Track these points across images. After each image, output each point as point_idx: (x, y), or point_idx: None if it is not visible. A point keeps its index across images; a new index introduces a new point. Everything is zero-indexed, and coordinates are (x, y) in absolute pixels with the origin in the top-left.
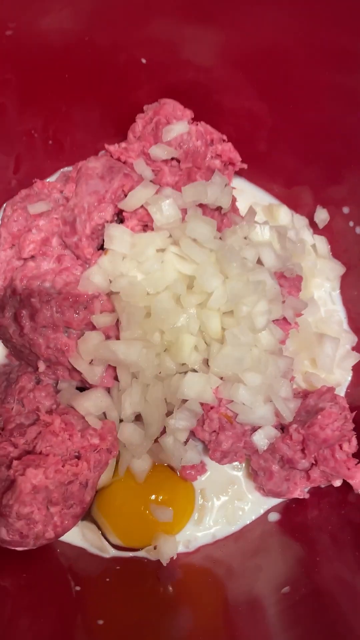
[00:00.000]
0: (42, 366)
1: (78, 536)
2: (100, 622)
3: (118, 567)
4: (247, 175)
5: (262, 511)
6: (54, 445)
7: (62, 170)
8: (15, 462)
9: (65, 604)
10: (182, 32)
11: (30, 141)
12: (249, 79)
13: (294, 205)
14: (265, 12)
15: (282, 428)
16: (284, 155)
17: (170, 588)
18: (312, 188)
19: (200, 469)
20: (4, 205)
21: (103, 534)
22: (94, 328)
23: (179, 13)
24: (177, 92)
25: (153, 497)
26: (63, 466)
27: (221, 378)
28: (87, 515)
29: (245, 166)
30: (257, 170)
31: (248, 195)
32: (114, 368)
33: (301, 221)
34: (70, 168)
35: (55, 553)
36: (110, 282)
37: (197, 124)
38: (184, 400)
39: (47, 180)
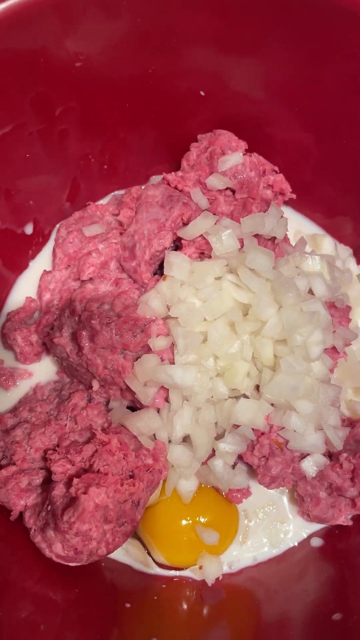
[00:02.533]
0: (96, 385)
1: (121, 552)
2: (154, 639)
3: (164, 586)
4: (293, 204)
5: (304, 535)
6: (111, 464)
7: (113, 193)
8: (75, 480)
9: (117, 620)
10: (235, 67)
11: (87, 165)
12: (296, 112)
13: (338, 234)
14: (308, 47)
15: (330, 456)
16: (329, 186)
17: (215, 608)
18: (356, 218)
19: (246, 492)
20: (57, 226)
21: (147, 552)
22: (149, 350)
23: (231, 49)
24: (230, 124)
25: (199, 518)
26: (121, 485)
27: (272, 405)
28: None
29: (294, 196)
30: (303, 199)
31: (293, 223)
32: (166, 390)
33: (346, 251)
34: (122, 192)
35: (101, 568)
36: (168, 307)
37: (251, 155)
38: (236, 425)
39: (99, 202)
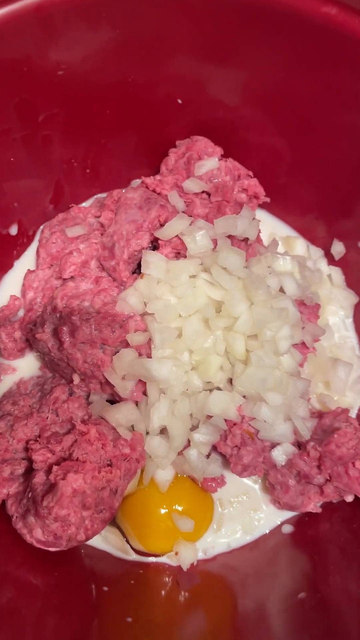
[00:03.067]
0: (76, 379)
1: (99, 539)
2: (129, 619)
3: (141, 571)
4: (268, 207)
5: (277, 523)
6: (90, 453)
7: (96, 196)
8: (55, 467)
9: (95, 602)
10: (212, 75)
11: (70, 169)
12: (270, 118)
13: (311, 236)
14: (283, 57)
15: (299, 445)
16: (302, 190)
17: (190, 592)
18: (328, 221)
19: (220, 481)
20: (41, 227)
21: (126, 539)
22: (127, 345)
23: (208, 58)
24: (207, 130)
25: (175, 506)
26: (99, 472)
27: (244, 397)
28: (111, 520)
29: (268, 200)
30: (277, 203)
31: (267, 225)
32: (143, 383)
33: (317, 252)
34: (104, 195)
35: (81, 555)
36: (145, 304)
37: (226, 160)
38: (209, 416)
39: (82, 205)
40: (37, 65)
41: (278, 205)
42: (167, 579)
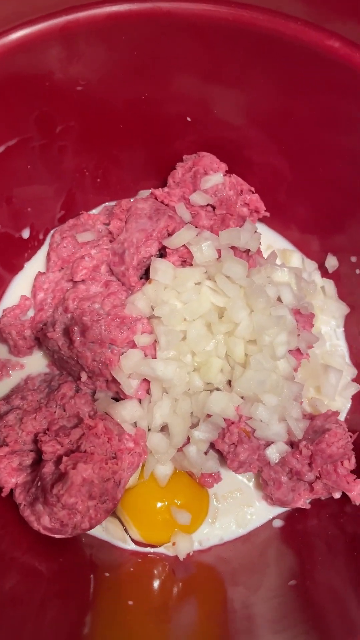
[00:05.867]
0: (84, 376)
1: (100, 529)
2: (131, 602)
3: (139, 560)
4: (267, 221)
5: (269, 517)
6: (97, 446)
7: (105, 204)
8: (64, 458)
9: (97, 587)
10: (220, 97)
11: (82, 178)
12: (272, 140)
13: (306, 250)
14: (286, 83)
15: (292, 444)
16: (299, 206)
17: (185, 580)
18: (322, 236)
19: (217, 477)
20: (52, 231)
21: (125, 530)
22: (134, 346)
23: (217, 81)
24: (213, 147)
25: (174, 500)
26: (106, 464)
27: (242, 397)
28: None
29: (268, 214)
30: (276, 217)
31: (266, 239)
32: (147, 382)
33: (312, 265)
34: (112, 203)
35: (82, 543)
36: (152, 308)
37: (230, 176)
38: (209, 415)
39: (91, 212)
40: (58, 80)
41: (276, 220)
42: (164, 568)
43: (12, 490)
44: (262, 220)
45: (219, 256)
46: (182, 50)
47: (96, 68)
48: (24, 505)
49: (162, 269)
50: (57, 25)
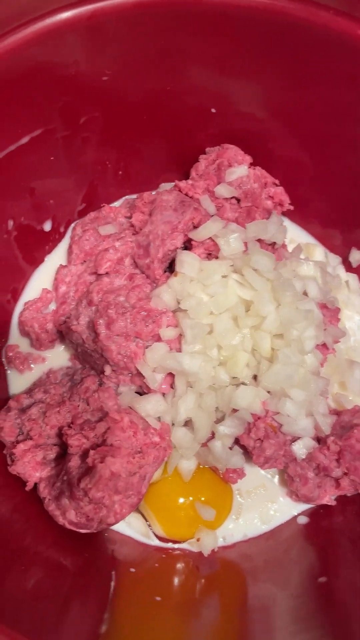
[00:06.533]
0: (108, 370)
1: (123, 524)
2: (158, 598)
3: (163, 555)
4: (289, 215)
5: (293, 514)
6: (122, 440)
7: (125, 197)
8: (92, 452)
9: (123, 581)
10: (243, 89)
11: (104, 170)
12: (294, 132)
13: (329, 244)
14: (309, 76)
15: (318, 440)
16: (322, 200)
17: (210, 578)
18: (346, 231)
19: (241, 472)
20: (73, 224)
21: (148, 525)
22: (158, 339)
23: (239, 74)
24: (235, 139)
25: (198, 495)
26: (133, 458)
27: (268, 392)
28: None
29: (292, 208)
30: (298, 211)
31: (288, 232)
32: (171, 377)
33: (335, 259)
34: (133, 196)
35: (104, 538)
36: (178, 301)
37: (255, 168)
38: (234, 410)
39: (113, 204)
40: (84, 70)
41: (299, 214)
42: (187, 564)
43: (35, 484)
44: (285, 214)
45: (245, 249)
46: (208, 40)
47: (122, 58)
48: (49, 499)
49: (188, 261)
50: (85, 14)
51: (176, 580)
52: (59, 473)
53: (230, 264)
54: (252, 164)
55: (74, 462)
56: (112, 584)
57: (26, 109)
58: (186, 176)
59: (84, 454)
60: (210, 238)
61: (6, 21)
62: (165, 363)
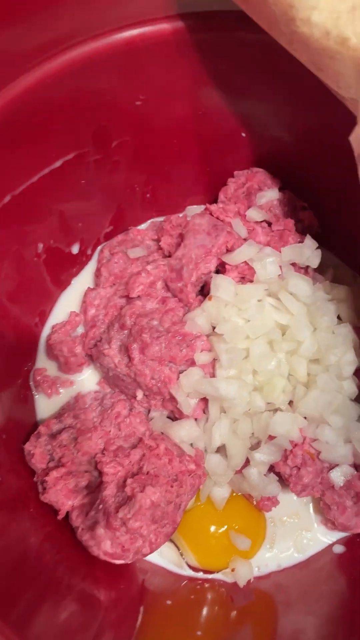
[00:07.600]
0: (140, 395)
1: (156, 553)
2: (199, 633)
3: (198, 587)
4: (317, 238)
5: (328, 542)
6: (159, 468)
7: (151, 220)
8: (129, 480)
9: (159, 615)
10: (274, 113)
11: (132, 193)
12: (323, 156)
13: (357, 267)
14: (332, 103)
15: (356, 467)
16: (350, 222)
17: (245, 609)
18: None
19: (275, 500)
20: (99, 247)
21: (181, 554)
22: (192, 364)
23: (273, 97)
24: (264, 162)
25: (232, 524)
26: (171, 487)
27: (305, 418)
28: None
29: (319, 231)
30: (326, 234)
31: None
32: (204, 401)
33: None
34: (159, 219)
35: (136, 568)
36: (212, 325)
37: (284, 192)
38: (270, 436)
39: (139, 227)
40: (119, 95)
41: (327, 237)
42: (220, 595)
43: (67, 513)
44: (313, 236)
45: (280, 272)
46: (240, 70)
47: (156, 83)
48: (82, 529)
49: (223, 285)
50: (123, 40)
51: (214, 613)
52: (92, 501)
53: (265, 288)
54: (281, 188)
55: (110, 491)
56: (140, 616)
57: (62, 133)
58: (212, 199)
59: (120, 482)
60: (244, 262)
61: (48, 45)
62: (200, 388)
